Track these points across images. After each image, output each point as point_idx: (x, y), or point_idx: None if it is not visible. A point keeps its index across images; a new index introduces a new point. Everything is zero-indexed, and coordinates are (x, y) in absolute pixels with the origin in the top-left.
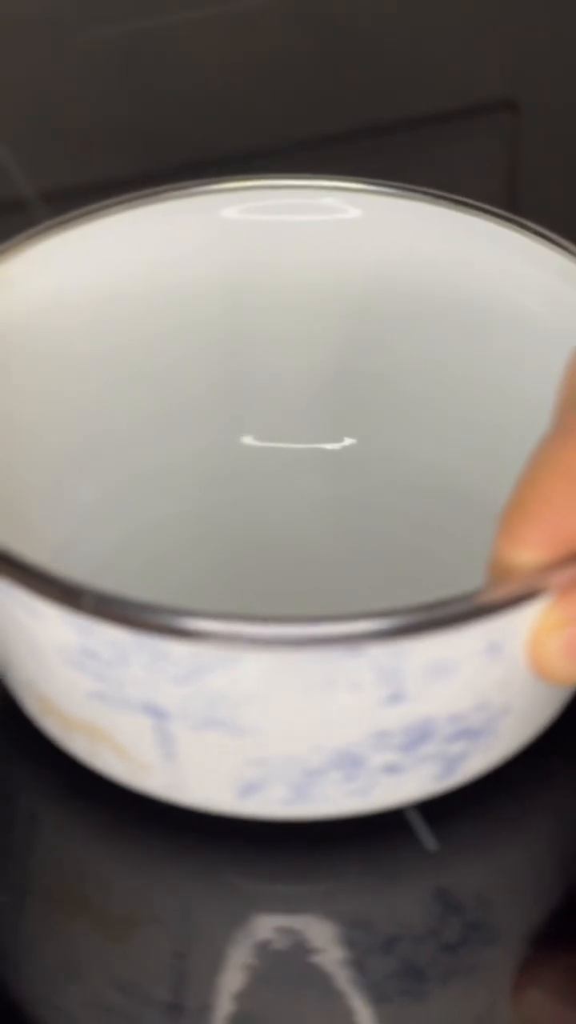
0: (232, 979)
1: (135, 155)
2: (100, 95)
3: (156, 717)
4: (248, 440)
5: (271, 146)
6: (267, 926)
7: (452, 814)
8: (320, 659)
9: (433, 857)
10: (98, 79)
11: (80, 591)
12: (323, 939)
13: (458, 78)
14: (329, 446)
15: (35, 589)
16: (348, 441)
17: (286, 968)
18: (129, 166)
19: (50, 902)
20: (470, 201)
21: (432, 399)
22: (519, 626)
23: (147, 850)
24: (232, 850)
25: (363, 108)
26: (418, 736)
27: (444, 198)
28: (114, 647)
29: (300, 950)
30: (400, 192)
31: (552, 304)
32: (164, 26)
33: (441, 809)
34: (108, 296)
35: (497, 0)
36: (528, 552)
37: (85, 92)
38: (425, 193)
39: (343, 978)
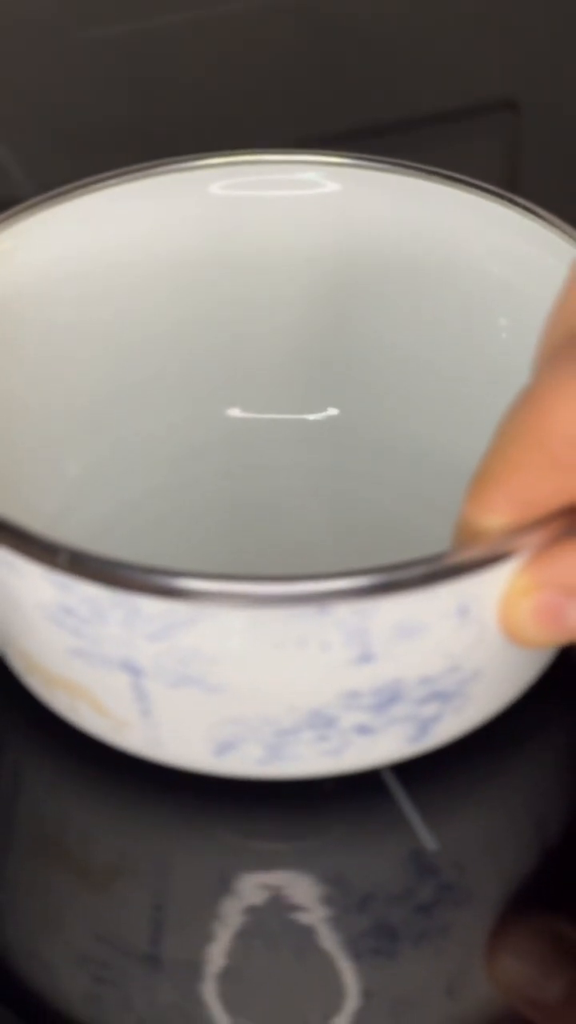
0: (209, 932)
1: (135, 155)
2: (100, 95)
3: (132, 674)
4: (234, 412)
5: (271, 146)
6: (245, 881)
7: (427, 777)
8: (288, 618)
9: (410, 819)
10: (98, 79)
11: (56, 548)
12: (300, 895)
13: (458, 78)
14: (313, 416)
15: (14, 546)
16: (332, 411)
17: (262, 922)
18: (129, 166)
19: (32, 854)
20: (449, 173)
21: (414, 370)
22: (488, 589)
23: (129, 804)
24: (213, 805)
25: (363, 108)
26: (388, 697)
27: (421, 170)
28: (91, 604)
29: (277, 906)
30: (378, 165)
31: (534, 274)
32: (164, 26)
33: (416, 771)
34: (95, 270)
35: (497, 0)
36: (495, 517)
37: (85, 92)
38: (403, 166)
39: (318, 934)
